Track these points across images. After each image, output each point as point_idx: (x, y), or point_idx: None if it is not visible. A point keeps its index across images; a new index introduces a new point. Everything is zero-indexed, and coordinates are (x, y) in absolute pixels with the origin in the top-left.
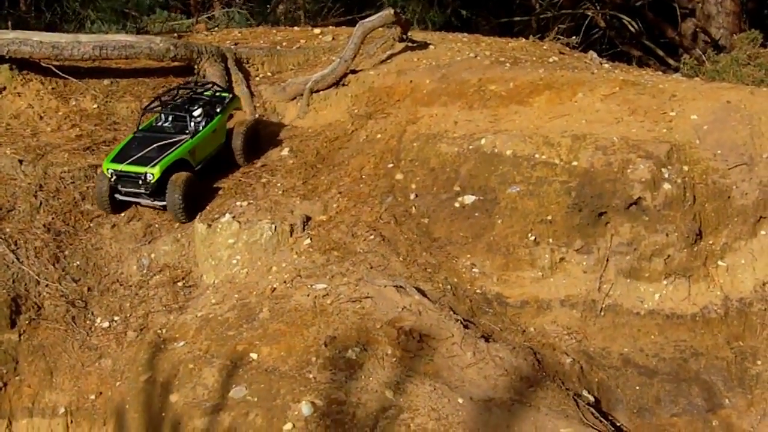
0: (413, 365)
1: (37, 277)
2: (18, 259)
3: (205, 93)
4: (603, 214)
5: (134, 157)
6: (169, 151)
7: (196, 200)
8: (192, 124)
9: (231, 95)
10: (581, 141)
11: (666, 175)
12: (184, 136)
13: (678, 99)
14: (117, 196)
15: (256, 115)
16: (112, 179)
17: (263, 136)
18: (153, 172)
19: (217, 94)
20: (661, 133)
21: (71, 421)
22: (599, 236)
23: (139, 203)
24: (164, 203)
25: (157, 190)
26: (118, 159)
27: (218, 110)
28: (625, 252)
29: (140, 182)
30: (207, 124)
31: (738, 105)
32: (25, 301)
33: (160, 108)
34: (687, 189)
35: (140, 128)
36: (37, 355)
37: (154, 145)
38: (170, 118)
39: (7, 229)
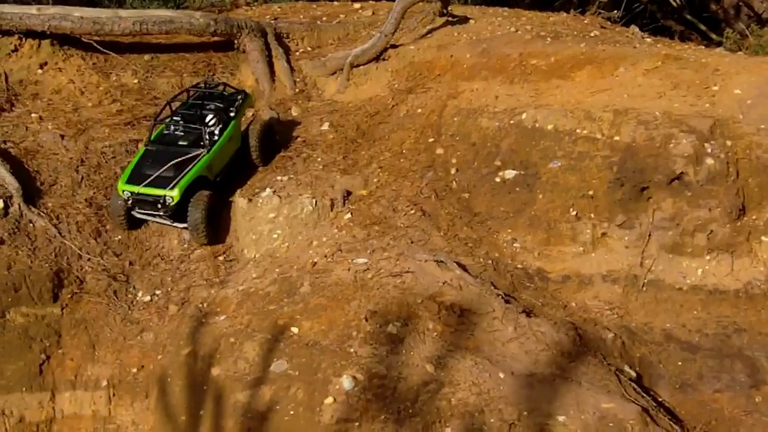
0: (454, 340)
1: (79, 252)
2: (60, 233)
3: (216, 94)
4: (645, 189)
5: (151, 178)
6: (186, 170)
7: (218, 219)
8: (207, 135)
9: (243, 95)
10: (623, 116)
11: (709, 150)
12: (200, 150)
13: (721, 73)
14: (134, 213)
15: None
16: (129, 202)
17: (303, 112)
18: (173, 195)
19: (229, 94)
20: (704, 108)
21: (113, 394)
22: (641, 211)
23: (156, 222)
24: (185, 225)
25: (177, 211)
26: (134, 180)
27: (232, 114)
28: (667, 227)
29: (159, 205)
30: (222, 132)
31: None
32: (67, 275)
33: (171, 116)
34: (730, 164)
35: (152, 139)
36: (80, 329)
37: (170, 163)
38: (181, 126)
39: (49, 204)
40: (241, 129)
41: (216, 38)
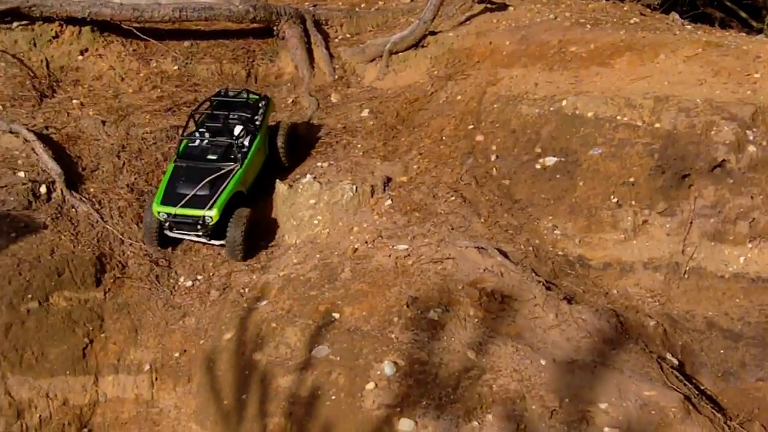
0: (495, 326)
1: (121, 237)
2: (102, 218)
3: (240, 103)
4: (686, 177)
5: (186, 198)
6: (222, 187)
7: (254, 235)
8: (237, 149)
9: (266, 100)
10: (664, 103)
11: (751, 138)
12: (233, 165)
13: (762, 60)
14: (167, 232)
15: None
16: (166, 224)
17: (343, 98)
18: (212, 215)
19: (253, 101)
20: (745, 95)
21: (156, 378)
22: (683, 199)
23: (191, 240)
24: (222, 242)
25: (215, 229)
26: (169, 200)
27: (258, 122)
28: (709, 215)
29: (198, 226)
30: (251, 143)
31: None
32: (109, 259)
33: (196, 129)
34: None
35: (180, 154)
36: (122, 313)
37: (204, 181)
38: (207, 137)
39: (91, 189)
40: (267, 137)
41: (255, 25)
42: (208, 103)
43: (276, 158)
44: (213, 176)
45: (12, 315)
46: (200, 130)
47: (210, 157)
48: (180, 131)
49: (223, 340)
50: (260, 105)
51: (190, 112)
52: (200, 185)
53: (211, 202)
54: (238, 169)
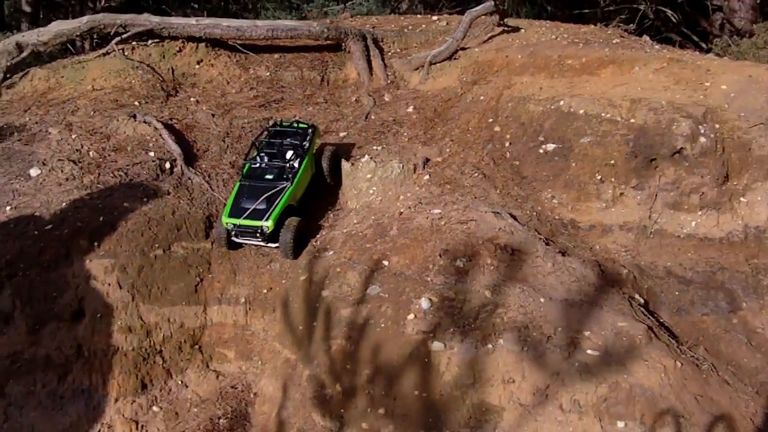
0: (507, 272)
1: (224, 201)
2: (211, 187)
3: (291, 131)
4: (653, 160)
5: (248, 211)
6: (276, 202)
7: (304, 239)
8: (288, 169)
9: (312, 128)
10: (637, 103)
11: (702, 131)
12: (285, 183)
13: (712, 73)
14: (234, 239)
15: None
16: (233, 232)
17: (393, 98)
18: (268, 225)
19: (302, 129)
20: (698, 99)
21: (249, 308)
22: (650, 177)
23: (252, 244)
24: (277, 245)
25: (271, 235)
26: (235, 213)
27: (306, 146)
28: (669, 189)
29: (258, 234)
30: (300, 164)
31: (757, 78)
32: (215, 218)
33: (257, 154)
34: (718, 142)
35: (244, 174)
36: (225, 259)
37: (263, 197)
38: (266, 160)
39: (203, 166)
40: (314, 158)
41: (328, 41)
42: (266, 132)
43: (321, 176)
44: (269, 193)
45: (143, 260)
46: (260, 154)
47: (267, 176)
48: (256, 137)
49: (299, 280)
50: (308, 132)
51: (252, 141)
52: (259, 201)
53: (267, 214)
54: (289, 187)
